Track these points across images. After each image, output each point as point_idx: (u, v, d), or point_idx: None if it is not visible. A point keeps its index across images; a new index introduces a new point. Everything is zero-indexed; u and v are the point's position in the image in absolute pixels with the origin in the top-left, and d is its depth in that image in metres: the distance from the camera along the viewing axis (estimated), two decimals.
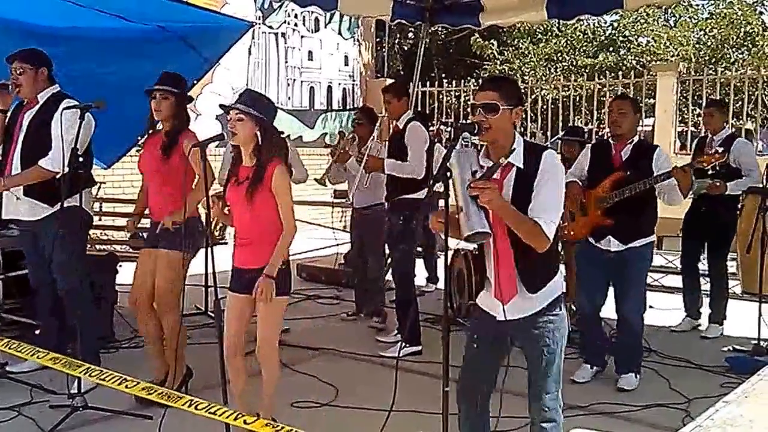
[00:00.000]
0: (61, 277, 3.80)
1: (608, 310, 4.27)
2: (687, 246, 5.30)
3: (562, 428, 2.53)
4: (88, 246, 6.38)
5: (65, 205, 3.55)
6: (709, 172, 4.58)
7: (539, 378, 2.49)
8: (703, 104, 9.00)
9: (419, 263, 5.27)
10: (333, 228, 8.73)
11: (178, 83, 3.71)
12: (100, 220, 8.12)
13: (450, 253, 5.14)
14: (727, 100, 9.19)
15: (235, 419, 2.27)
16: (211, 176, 3.46)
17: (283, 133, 5.12)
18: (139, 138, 3.85)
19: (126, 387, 2.39)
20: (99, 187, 7.78)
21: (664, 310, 5.53)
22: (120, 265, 5.03)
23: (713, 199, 4.87)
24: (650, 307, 5.57)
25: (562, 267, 5.38)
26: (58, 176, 3.65)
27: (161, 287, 3.67)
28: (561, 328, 2.48)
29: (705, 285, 5.50)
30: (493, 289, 2.47)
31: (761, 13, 13.29)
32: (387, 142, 5.09)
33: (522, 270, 2.43)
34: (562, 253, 5.31)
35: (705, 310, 5.37)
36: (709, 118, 5.15)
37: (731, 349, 4.74)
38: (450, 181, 2.29)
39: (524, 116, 10.54)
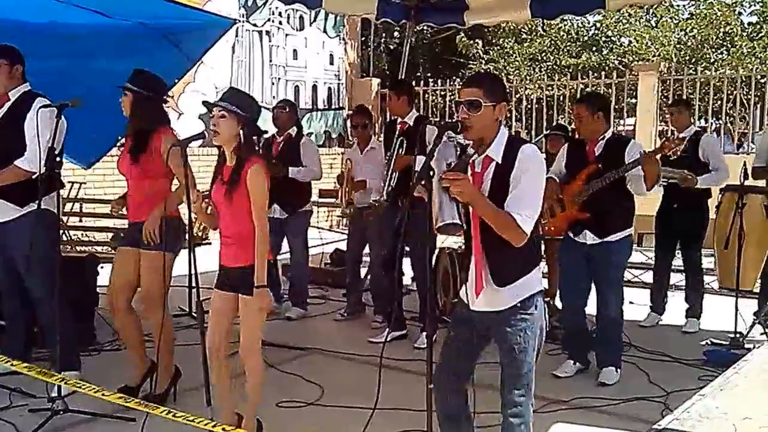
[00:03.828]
0: (33, 281, 3.73)
1: (589, 306, 4.31)
2: (661, 242, 5.37)
3: (530, 425, 2.52)
4: (69, 248, 6.36)
5: (36, 206, 3.48)
6: (671, 158, 4.64)
7: (509, 374, 2.48)
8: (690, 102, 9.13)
9: (406, 262, 5.28)
10: (319, 228, 8.75)
11: (137, 80, 3.62)
12: (80, 220, 8.05)
13: (435, 252, 5.25)
14: (706, 99, 9.33)
15: (214, 427, 2.27)
16: (192, 177, 3.41)
17: (267, 132, 5.23)
18: (120, 138, 3.79)
19: (103, 395, 2.37)
20: (80, 188, 7.72)
21: (643, 305, 5.59)
22: (101, 267, 4.99)
23: (685, 194, 4.95)
24: (630, 302, 5.65)
25: (543, 265, 5.48)
26: (34, 176, 3.60)
27: (146, 288, 3.63)
28: (534, 327, 2.46)
29: (681, 281, 5.57)
30: (470, 280, 2.49)
31: (740, 13, 13.46)
32: (385, 141, 5.08)
33: (492, 263, 2.43)
34: (545, 251, 5.37)
35: (676, 306, 5.43)
36: (676, 116, 5.23)
37: (709, 342, 4.80)
38: (433, 180, 2.31)
39: (508, 115, 10.61)
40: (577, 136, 4.28)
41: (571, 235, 4.16)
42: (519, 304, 2.45)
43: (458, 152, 2.41)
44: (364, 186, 5.30)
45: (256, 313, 3.06)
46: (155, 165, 3.58)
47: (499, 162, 2.42)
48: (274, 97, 10.60)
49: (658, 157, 4.04)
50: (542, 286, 2.54)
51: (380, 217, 5.05)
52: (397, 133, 4.86)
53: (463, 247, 2.58)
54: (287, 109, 5.50)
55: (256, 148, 3.12)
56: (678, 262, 5.55)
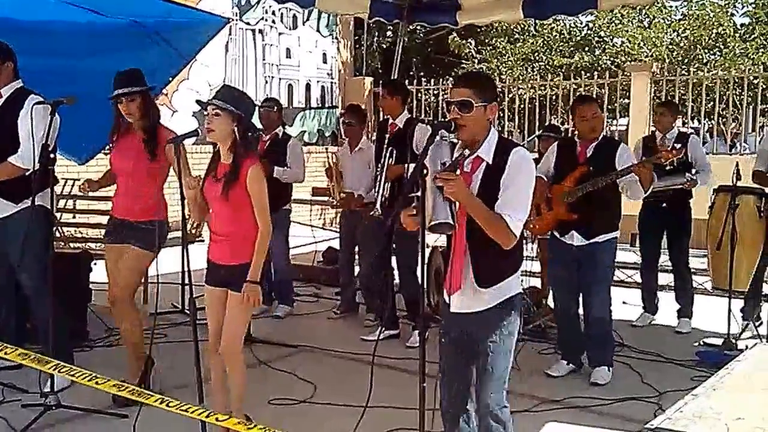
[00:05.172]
0: (26, 277, 3.73)
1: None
2: (647, 242, 5.40)
3: (511, 426, 2.51)
4: (62, 244, 6.33)
5: (30, 203, 3.47)
6: (667, 167, 4.70)
7: (483, 376, 2.47)
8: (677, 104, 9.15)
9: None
10: (311, 226, 8.74)
11: (138, 80, 3.64)
12: (74, 217, 8.01)
13: (428, 251, 5.25)
14: (699, 100, 9.38)
15: (207, 416, 2.27)
16: (186, 171, 3.42)
17: (261, 129, 5.22)
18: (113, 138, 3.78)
19: (97, 384, 2.37)
20: (73, 184, 7.68)
21: (636, 305, 5.61)
22: (94, 263, 4.98)
23: (671, 195, 5.02)
24: (623, 303, 5.68)
25: (536, 265, 5.47)
26: (28, 173, 3.58)
27: (125, 281, 3.65)
28: (511, 328, 2.46)
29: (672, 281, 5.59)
30: (447, 279, 2.49)
31: (732, 15, 13.51)
32: (377, 141, 5.09)
33: (477, 264, 2.43)
34: (538, 251, 5.39)
35: (668, 306, 5.44)
36: (660, 117, 5.29)
37: (702, 343, 4.83)
38: (426, 179, 2.31)
39: (501, 115, 10.62)
40: (576, 136, 4.27)
41: (557, 235, 4.18)
42: (497, 306, 2.45)
43: (453, 151, 2.41)
44: (362, 202, 5.24)
45: (244, 313, 3.07)
46: (162, 160, 3.62)
47: (490, 163, 2.42)
48: (267, 95, 10.58)
49: (649, 162, 4.08)
50: (520, 289, 2.54)
51: (372, 222, 5.05)
52: (387, 135, 4.86)
53: (447, 244, 2.58)
54: (276, 109, 5.51)
55: (252, 145, 3.12)
56: (666, 261, 5.57)
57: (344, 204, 5.39)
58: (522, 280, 2.67)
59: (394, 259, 5.04)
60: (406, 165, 4.54)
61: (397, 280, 5.18)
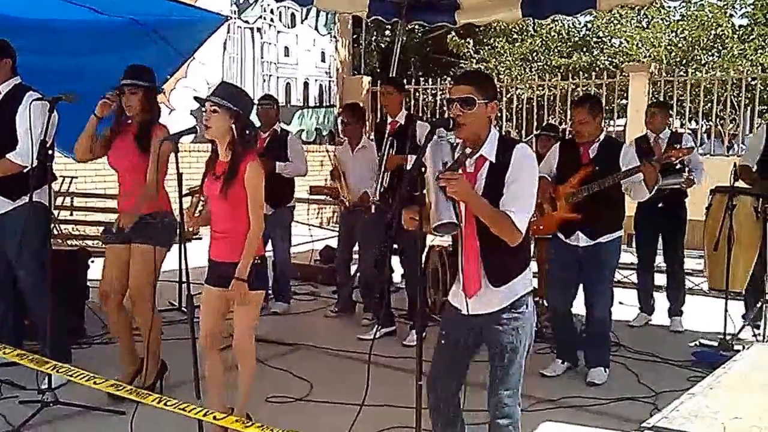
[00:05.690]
0: (24, 274, 3.73)
1: (578, 306, 4.32)
2: (644, 243, 5.42)
3: (519, 425, 2.52)
4: (60, 241, 6.33)
5: (28, 200, 3.47)
6: (677, 166, 4.72)
7: (499, 374, 2.47)
8: (675, 104, 9.18)
9: (395, 260, 5.29)
10: (309, 224, 8.73)
11: (145, 76, 3.65)
12: (71, 214, 8.01)
13: (425, 250, 5.26)
14: (696, 101, 9.39)
15: (205, 415, 2.27)
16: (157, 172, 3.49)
17: (259, 127, 5.22)
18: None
19: (94, 383, 2.36)
20: (71, 182, 7.68)
21: (633, 306, 5.62)
22: (92, 261, 4.98)
23: (667, 195, 5.03)
24: (620, 303, 5.67)
25: (534, 265, 5.49)
26: (26, 170, 3.59)
27: (138, 281, 3.63)
28: (526, 327, 2.47)
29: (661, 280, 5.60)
30: (460, 282, 2.49)
31: (731, 16, 13.51)
32: (376, 141, 5.10)
33: (488, 264, 2.43)
34: (535, 250, 5.39)
35: (665, 306, 5.45)
36: (651, 117, 5.28)
37: (698, 344, 4.84)
38: (425, 177, 2.31)
39: (499, 115, 10.62)
40: (574, 138, 4.26)
41: (562, 237, 4.17)
42: (511, 305, 2.46)
43: (453, 150, 2.41)
44: (368, 199, 5.24)
45: (250, 310, 3.06)
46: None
47: (493, 161, 2.42)
48: (266, 93, 10.56)
49: (656, 162, 4.08)
50: (532, 286, 2.55)
51: (373, 216, 5.05)
52: (387, 132, 4.88)
53: (451, 245, 2.58)
54: (275, 107, 5.53)
55: (251, 143, 3.11)
56: (661, 261, 5.59)
57: (357, 203, 5.37)
58: None
59: (396, 258, 5.04)
60: (406, 156, 4.57)
61: (399, 278, 5.19)
